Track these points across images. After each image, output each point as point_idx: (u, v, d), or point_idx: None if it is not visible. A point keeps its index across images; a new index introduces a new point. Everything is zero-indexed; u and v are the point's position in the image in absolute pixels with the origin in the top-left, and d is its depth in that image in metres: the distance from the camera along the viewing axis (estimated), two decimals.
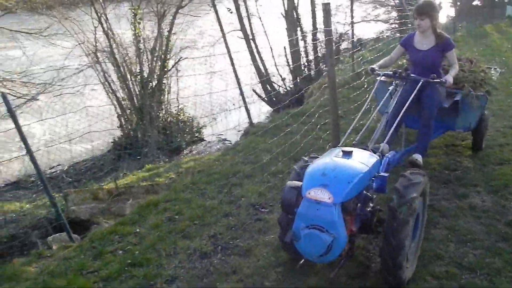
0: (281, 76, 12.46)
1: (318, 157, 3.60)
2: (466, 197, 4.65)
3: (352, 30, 10.36)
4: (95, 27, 10.88)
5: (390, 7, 15.60)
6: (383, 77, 4.96)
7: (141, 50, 10.51)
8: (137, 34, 10.40)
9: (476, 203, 4.54)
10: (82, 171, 9.95)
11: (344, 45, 13.58)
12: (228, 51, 8.16)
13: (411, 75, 4.77)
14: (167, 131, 10.61)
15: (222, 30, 8.32)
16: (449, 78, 4.74)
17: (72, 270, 3.71)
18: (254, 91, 12.05)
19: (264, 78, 11.83)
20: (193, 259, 3.81)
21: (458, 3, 17.61)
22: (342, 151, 3.48)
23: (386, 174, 3.70)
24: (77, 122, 9.13)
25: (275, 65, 12.28)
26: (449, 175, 5.18)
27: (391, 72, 4.85)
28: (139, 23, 10.40)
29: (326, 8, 4.82)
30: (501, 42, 13.44)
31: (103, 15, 10.53)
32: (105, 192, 6.58)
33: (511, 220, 4.20)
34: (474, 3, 20.40)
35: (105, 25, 10.52)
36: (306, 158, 3.73)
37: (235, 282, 3.52)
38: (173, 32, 10.99)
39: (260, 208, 3.79)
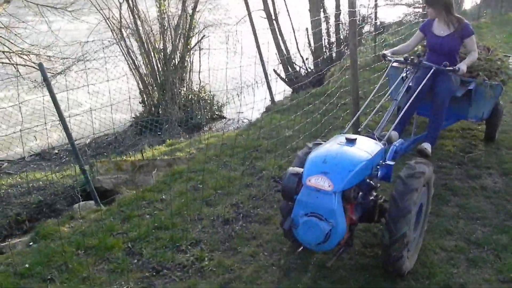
0: (302, 57, 12.61)
1: (322, 143, 3.59)
2: (478, 178, 4.88)
3: (376, 13, 10.47)
4: (120, 3, 11.16)
5: None
6: (395, 63, 4.94)
7: (165, 27, 10.77)
8: (162, 11, 10.64)
9: (487, 184, 4.77)
10: (104, 145, 10.31)
11: (366, 28, 13.65)
12: (253, 29, 8.37)
13: (423, 62, 4.73)
14: (188, 108, 10.90)
15: (248, 8, 8.53)
16: (463, 66, 4.72)
17: (102, 231, 4.03)
18: (274, 71, 12.23)
19: (284, 57, 12.00)
20: (216, 224, 4.11)
21: None
22: (346, 138, 3.46)
23: (392, 163, 3.71)
24: (100, 96, 9.44)
25: (297, 46, 12.42)
26: (463, 157, 5.39)
27: (403, 59, 4.81)
28: (164, 0, 10.64)
29: None
30: None
31: None
32: (128, 164, 6.90)
33: None
34: None
35: (130, 2, 10.77)
36: (310, 145, 3.72)
37: (255, 246, 3.81)
38: (197, 10, 11.22)
39: (280, 180, 4.04)
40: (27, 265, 3.57)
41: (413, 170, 3.42)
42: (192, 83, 11.21)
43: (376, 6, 10.34)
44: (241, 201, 4.44)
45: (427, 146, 4.92)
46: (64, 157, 9.72)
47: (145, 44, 10.75)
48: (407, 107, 4.57)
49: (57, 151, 10.04)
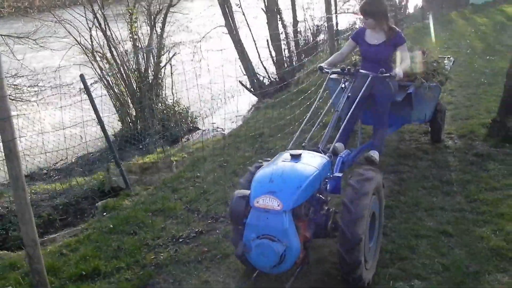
0: (264, 67, 14.13)
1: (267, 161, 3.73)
2: (442, 141, 6.48)
3: (337, 20, 12.16)
4: (90, 28, 12.37)
5: None
6: (333, 75, 5.11)
7: (138, 47, 12.06)
8: (133, 32, 11.94)
9: (449, 144, 6.39)
10: (91, 162, 11.40)
11: (321, 36, 15.38)
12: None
13: (361, 70, 4.88)
14: (165, 121, 12.17)
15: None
16: (399, 71, 4.90)
17: (158, 199, 5.33)
18: (240, 82, 13.67)
19: (248, 68, 13.50)
20: None
21: None
22: (291, 154, 3.59)
23: (340, 175, 3.89)
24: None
25: (259, 57, 13.94)
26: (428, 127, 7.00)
27: (340, 69, 4.94)
28: (135, 22, 11.94)
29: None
30: (465, 27, 15.66)
31: (100, 14, 12.01)
32: (137, 166, 8.13)
33: (476, 152, 6.05)
34: None
35: (102, 24, 12.00)
36: (260, 161, 3.88)
37: None
38: (165, 30, 12.59)
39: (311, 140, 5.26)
40: (111, 226, 4.84)
41: (361, 176, 3.61)
42: (167, 98, 12.50)
43: (336, 13, 12.01)
44: None
45: (374, 153, 5.19)
46: (54, 176, 10.76)
47: (119, 64, 11.98)
48: (348, 117, 4.77)
49: (46, 171, 11.05)
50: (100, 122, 6.08)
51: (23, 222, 3.47)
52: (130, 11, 11.83)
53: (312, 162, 3.59)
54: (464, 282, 3.76)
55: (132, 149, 11.36)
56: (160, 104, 12.41)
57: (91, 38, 12.36)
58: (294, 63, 14.23)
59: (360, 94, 4.80)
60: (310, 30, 14.45)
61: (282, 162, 3.54)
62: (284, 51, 14.00)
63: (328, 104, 5.13)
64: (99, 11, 11.99)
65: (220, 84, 11.34)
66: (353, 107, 4.76)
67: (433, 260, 4.04)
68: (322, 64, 5.16)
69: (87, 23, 12.42)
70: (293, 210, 3.25)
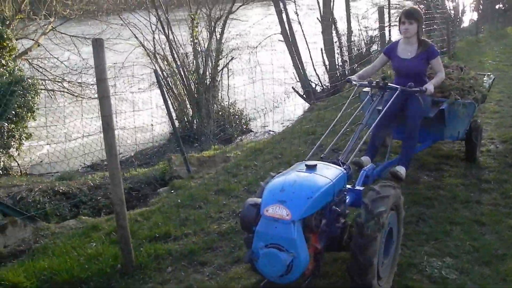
0: (317, 75, 14.80)
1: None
2: (483, 145, 6.99)
3: (389, 31, 12.75)
4: (153, 31, 13.38)
5: None
6: (363, 87, 5.28)
7: (198, 51, 12.97)
8: (194, 37, 12.86)
9: (491, 148, 6.92)
10: (148, 156, 12.35)
11: (374, 47, 15.95)
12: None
13: (389, 84, 4.92)
14: (220, 122, 13.02)
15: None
16: (430, 86, 4.97)
17: (220, 182, 6.09)
18: (293, 88, 14.40)
19: (302, 74, 14.20)
20: None
21: (481, 7, 20.11)
22: (306, 165, 3.65)
23: (361, 188, 4.00)
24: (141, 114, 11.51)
25: (313, 65, 14.63)
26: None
27: (367, 82, 5.01)
28: (196, 26, 12.87)
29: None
30: None
31: (164, 19, 12.99)
32: (195, 159, 8.95)
33: None
34: (497, 7, 22.96)
35: (165, 28, 12.98)
36: (273, 174, 3.86)
37: None
38: (224, 36, 13.48)
39: (338, 151, 5.98)
40: (179, 201, 5.63)
41: (377, 194, 3.56)
42: (223, 100, 13.36)
43: (390, 25, 12.60)
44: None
45: (400, 169, 5.14)
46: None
47: (180, 66, 12.92)
48: (376, 131, 4.95)
49: (106, 163, 12.04)
50: (169, 114, 6.87)
51: (113, 183, 4.27)
52: (192, 16, 12.74)
53: (326, 173, 3.62)
54: (491, 262, 4.31)
55: (187, 147, 12.25)
56: (216, 106, 13.26)
57: (153, 41, 13.38)
58: (346, 72, 14.86)
59: (386, 107, 4.83)
60: (364, 40, 15.06)
61: (295, 172, 3.60)
62: (337, 59, 14.63)
63: (352, 116, 5.07)
64: (163, 16, 12.94)
65: (273, 89, 12.16)
66: (380, 120, 4.77)
67: (465, 243, 4.60)
68: (351, 77, 5.24)
69: (150, 26, 13.45)
70: (303, 221, 3.29)
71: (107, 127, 4.16)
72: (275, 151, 7.02)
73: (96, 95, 14.86)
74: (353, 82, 5.14)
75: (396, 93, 4.83)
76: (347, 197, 3.89)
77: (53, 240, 4.96)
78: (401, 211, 3.98)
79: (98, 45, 4.12)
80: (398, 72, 5.50)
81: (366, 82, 5.00)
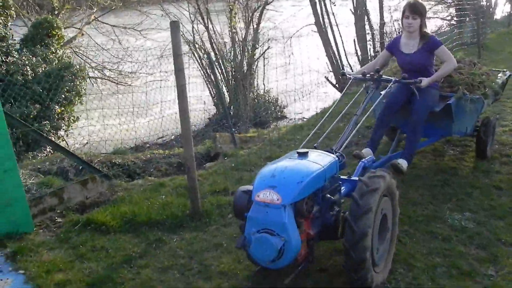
0: (349, 65, 15.67)
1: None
2: (507, 126, 7.80)
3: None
4: (192, 21, 14.38)
5: (448, 3, 18.76)
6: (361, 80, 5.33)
7: (235, 41, 13.94)
8: (232, 26, 13.82)
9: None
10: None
11: None
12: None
13: (383, 76, 5.06)
14: (256, 109, 13.99)
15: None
16: (424, 79, 5.09)
17: (267, 151, 7.09)
18: (326, 78, 15.29)
19: (335, 65, 15.08)
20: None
21: None
22: (297, 152, 3.82)
23: (356, 178, 4.09)
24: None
25: (345, 55, 15.49)
26: None
27: (361, 75, 5.13)
28: (234, 16, 13.83)
29: None
30: None
31: (203, 9, 13.98)
32: (237, 137, 9.94)
33: None
34: None
35: (205, 19, 13.97)
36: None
37: None
38: (260, 26, 14.43)
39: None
40: (232, 165, 6.63)
41: (366, 187, 3.61)
42: (259, 88, 14.32)
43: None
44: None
45: (401, 161, 5.21)
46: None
47: (218, 55, 13.91)
48: (379, 124, 5.19)
49: (148, 145, 13.13)
50: (220, 96, 7.85)
51: (186, 142, 5.27)
52: (230, 7, 13.71)
53: (317, 159, 3.74)
54: (505, 216, 5.18)
55: (225, 132, 13.24)
56: (252, 93, 14.23)
57: (192, 30, 14.39)
58: None
59: (387, 100, 5.29)
60: (396, 31, 15.87)
61: (287, 159, 3.76)
62: (369, 50, 15.47)
63: (346, 109, 5.31)
64: (202, 6, 13.93)
65: (307, 78, 13.07)
66: (382, 113, 5.33)
67: (483, 202, 5.48)
68: (345, 71, 5.49)
69: (189, 17, 14.46)
70: (294, 205, 3.40)
71: (182, 94, 5.15)
72: (313, 128, 7.95)
73: (133, 83, 15.88)
74: (347, 75, 5.40)
75: (390, 85, 5.10)
76: (342, 187, 4.08)
77: (127, 193, 5.97)
78: (395, 195, 4.06)
79: (175, 27, 5.10)
80: (403, 68, 5.59)
81: (360, 75, 5.17)
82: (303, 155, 3.78)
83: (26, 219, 5.08)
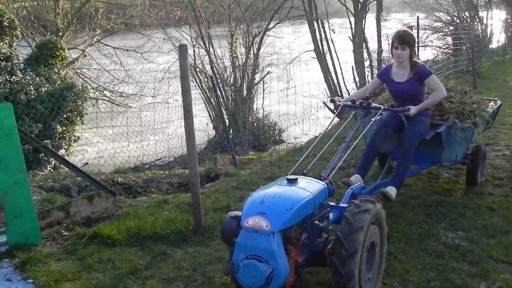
0: (348, 91, 16.01)
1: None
2: (499, 151, 8.09)
3: (418, 52, 13.92)
4: (193, 45, 14.76)
5: (445, 32, 19.26)
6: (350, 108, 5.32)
7: (236, 65, 14.30)
8: (233, 51, 14.19)
9: (507, 153, 8.02)
10: (187, 161, 13.62)
11: None
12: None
13: (372, 104, 5.08)
14: (255, 132, 14.29)
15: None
16: (413, 108, 5.17)
17: (267, 171, 7.32)
18: (324, 103, 15.59)
19: (333, 90, 15.42)
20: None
21: (511, 29, 21.36)
22: (287, 178, 3.82)
23: (344, 205, 4.08)
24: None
25: (343, 81, 15.85)
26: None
27: (350, 102, 5.17)
28: (235, 41, 14.21)
29: None
30: None
31: (205, 33, 14.37)
32: (237, 159, 10.20)
33: None
34: None
35: (206, 43, 14.35)
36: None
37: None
38: (260, 50, 14.82)
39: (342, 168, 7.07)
40: (234, 184, 6.87)
41: (357, 208, 3.67)
42: (257, 112, 14.64)
43: (419, 45, 13.79)
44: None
45: (390, 189, 5.21)
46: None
47: (218, 79, 14.24)
48: (368, 150, 5.25)
49: (148, 166, 13.35)
50: (222, 119, 8.13)
51: (191, 160, 5.52)
52: (232, 32, 14.09)
53: (306, 186, 3.76)
54: (496, 235, 5.39)
55: (223, 154, 13.52)
56: (251, 117, 14.54)
57: (194, 54, 14.75)
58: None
59: (368, 126, 5.21)
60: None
61: (276, 186, 3.77)
62: (367, 76, 15.83)
63: (335, 134, 5.38)
64: (204, 31, 14.31)
65: (306, 102, 13.37)
66: (372, 140, 5.39)
67: (476, 221, 5.69)
68: (335, 97, 5.56)
69: (191, 41, 14.84)
70: (283, 232, 3.40)
71: (188, 114, 5.42)
72: (313, 150, 8.20)
73: (134, 105, 16.20)
74: (336, 102, 5.46)
75: (379, 113, 5.12)
76: (330, 213, 4.10)
77: (132, 209, 6.20)
78: (383, 226, 4.11)
79: (183, 50, 5.37)
80: (394, 96, 5.68)
81: (349, 102, 5.22)
82: (292, 181, 3.80)
83: (35, 231, 5.28)
